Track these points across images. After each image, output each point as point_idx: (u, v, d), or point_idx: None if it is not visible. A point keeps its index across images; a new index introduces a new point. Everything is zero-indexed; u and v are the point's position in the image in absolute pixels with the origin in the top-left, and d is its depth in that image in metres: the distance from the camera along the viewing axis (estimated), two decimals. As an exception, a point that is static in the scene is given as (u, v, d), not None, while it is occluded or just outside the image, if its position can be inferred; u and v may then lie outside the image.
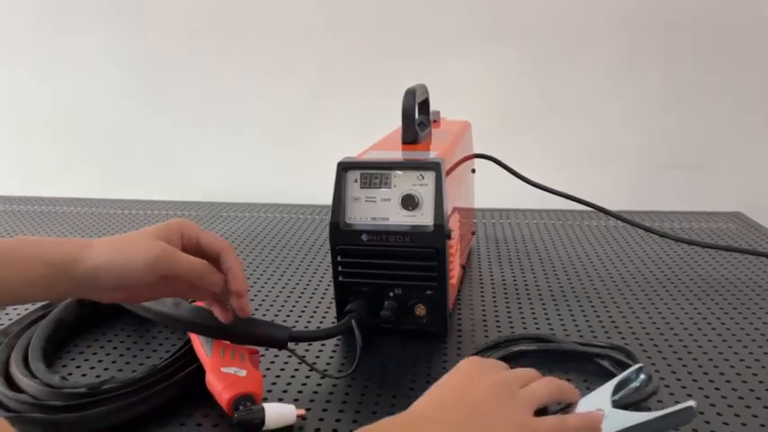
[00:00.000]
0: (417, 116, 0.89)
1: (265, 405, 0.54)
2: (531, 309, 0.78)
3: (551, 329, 0.73)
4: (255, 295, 0.83)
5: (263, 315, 0.78)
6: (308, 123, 1.46)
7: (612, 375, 0.58)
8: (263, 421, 0.53)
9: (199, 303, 0.65)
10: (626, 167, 1.38)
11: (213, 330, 0.60)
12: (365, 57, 1.43)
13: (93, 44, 1.51)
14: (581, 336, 0.71)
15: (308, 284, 0.87)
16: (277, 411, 0.54)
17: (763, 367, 0.64)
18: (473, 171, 1.00)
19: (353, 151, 0.74)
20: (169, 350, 0.69)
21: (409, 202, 0.67)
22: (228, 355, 0.59)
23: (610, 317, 0.76)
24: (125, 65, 1.53)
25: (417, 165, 0.68)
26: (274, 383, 0.62)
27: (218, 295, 0.59)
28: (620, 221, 0.96)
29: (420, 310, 0.69)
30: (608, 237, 1.05)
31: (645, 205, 1.21)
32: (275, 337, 0.60)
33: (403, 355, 0.68)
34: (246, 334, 0.60)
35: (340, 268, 0.70)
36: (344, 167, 0.69)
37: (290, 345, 0.62)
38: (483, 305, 0.79)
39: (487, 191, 1.17)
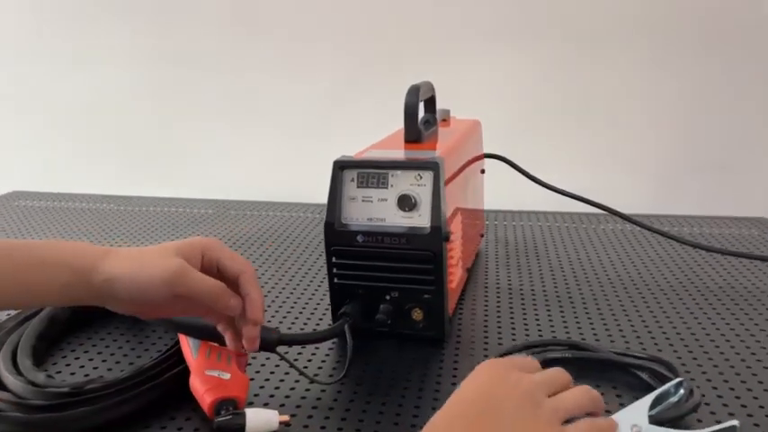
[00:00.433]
0: (423, 114, 0.87)
1: (247, 410, 0.53)
2: (536, 314, 0.75)
3: (554, 337, 0.70)
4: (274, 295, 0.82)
5: (265, 316, 0.76)
6: (326, 122, 1.44)
7: (648, 388, 0.55)
8: (243, 427, 0.51)
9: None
10: (647, 170, 1.34)
11: (199, 331, 0.59)
12: (384, 55, 1.42)
13: (116, 41, 1.52)
14: (598, 341, 0.68)
15: (308, 285, 0.85)
16: (259, 417, 0.52)
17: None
18: (482, 171, 0.97)
19: (370, 150, 0.72)
20: (161, 350, 0.67)
21: (406, 203, 0.65)
22: (214, 358, 0.58)
23: (617, 324, 0.72)
24: (148, 62, 1.54)
25: (415, 164, 0.66)
26: (262, 387, 0.60)
27: (232, 321, 0.57)
28: (636, 226, 0.93)
29: (417, 314, 0.67)
30: (623, 241, 1.01)
31: (666, 209, 1.17)
32: (263, 340, 0.59)
33: (398, 360, 0.65)
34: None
35: (335, 270, 0.68)
36: (341, 166, 0.67)
37: (281, 348, 0.60)
38: (486, 310, 0.77)
39: (499, 192, 1.15)
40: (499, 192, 1.17)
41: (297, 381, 0.61)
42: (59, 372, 0.64)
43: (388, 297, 0.67)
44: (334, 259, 0.67)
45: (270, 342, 0.59)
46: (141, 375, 0.58)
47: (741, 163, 1.28)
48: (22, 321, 0.68)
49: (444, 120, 0.94)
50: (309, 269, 0.91)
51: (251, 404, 0.58)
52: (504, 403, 0.42)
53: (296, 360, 0.65)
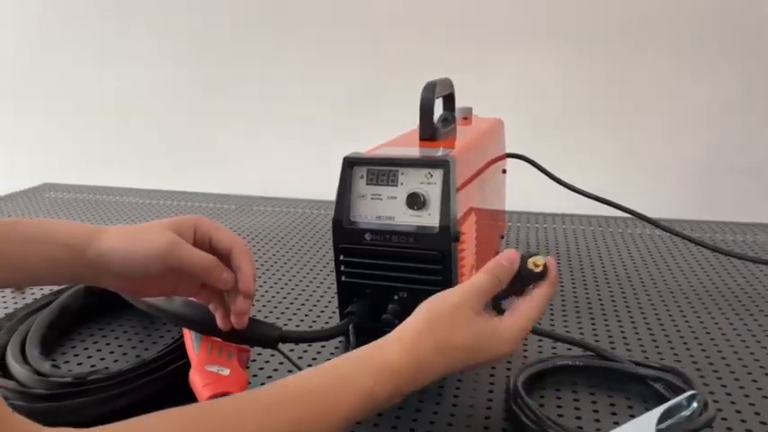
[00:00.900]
0: (442, 111, 0.86)
1: (244, 407, 0.52)
2: (551, 318, 0.73)
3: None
4: (268, 290, 0.82)
5: (275, 312, 0.76)
6: (353, 121, 1.44)
7: (662, 400, 0.52)
8: (237, 424, 0.51)
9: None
10: (678, 173, 1.29)
11: (200, 325, 0.58)
12: (411, 56, 1.41)
13: (148, 39, 1.55)
14: (614, 349, 0.66)
15: (321, 283, 0.84)
16: (254, 414, 0.52)
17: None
18: (504, 171, 0.95)
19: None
20: (168, 344, 0.67)
21: (414, 201, 0.63)
22: (215, 353, 0.58)
23: (635, 331, 0.70)
24: (178, 60, 1.56)
25: (425, 162, 0.64)
26: (263, 384, 0.60)
27: (223, 299, 0.58)
28: (664, 231, 0.89)
29: (425, 315, 0.65)
30: (650, 246, 0.98)
31: (698, 214, 1.13)
32: (264, 336, 0.58)
33: (404, 362, 0.64)
34: (234, 331, 0.57)
35: (343, 268, 0.67)
36: (351, 163, 0.66)
37: (287, 346, 0.60)
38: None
39: (523, 193, 1.12)
40: (523, 193, 1.14)
41: (299, 379, 0.60)
42: (67, 362, 0.64)
43: (396, 297, 0.66)
44: (341, 257, 0.66)
45: (271, 338, 0.58)
46: (143, 368, 0.58)
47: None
48: (35, 311, 0.69)
49: (465, 118, 0.92)
50: (325, 266, 0.90)
51: (250, 401, 0.57)
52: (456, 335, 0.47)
53: (300, 358, 0.64)
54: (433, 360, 0.46)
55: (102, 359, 0.65)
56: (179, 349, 0.61)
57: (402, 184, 0.65)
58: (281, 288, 0.83)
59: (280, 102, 1.49)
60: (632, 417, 0.54)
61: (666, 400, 0.53)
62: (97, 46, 1.62)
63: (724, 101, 1.25)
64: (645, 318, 0.73)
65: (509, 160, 0.95)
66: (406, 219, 0.64)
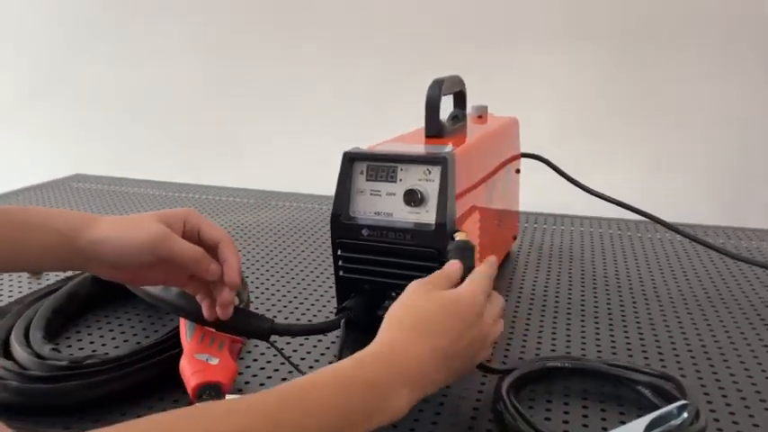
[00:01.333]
0: (453, 109, 0.85)
1: (230, 397, 0.52)
2: (554, 322, 0.72)
3: (567, 348, 0.66)
4: (275, 283, 0.82)
5: (277, 306, 0.76)
6: (372, 119, 1.44)
7: (656, 408, 0.51)
8: (220, 413, 0.51)
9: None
10: (707, 178, 1.25)
11: (194, 315, 0.59)
12: (434, 56, 1.41)
13: (173, 35, 1.58)
14: (615, 355, 0.64)
15: (326, 279, 0.85)
16: (238, 404, 0.52)
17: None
18: (517, 171, 0.93)
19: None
20: (167, 332, 0.68)
21: (412, 198, 0.63)
22: (207, 342, 0.58)
23: (641, 339, 0.68)
24: (204, 58, 1.59)
25: (424, 159, 0.64)
26: (255, 376, 0.60)
27: (210, 290, 0.59)
28: (685, 238, 0.86)
29: (421, 313, 0.65)
30: (669, 251, 0.95)
31: (729, 220, 1.09)
32: (256, 328, 0.58)
33: (398, 359, 0.64)
34: (226, 321, 0.58)
35: (340, 263, 0.67)
36: (351, 158, 0.66)
37: (282, 339, 0.60)
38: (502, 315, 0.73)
39: (540, 194, 1.11)
40: (540, 194, 1.13)
41: (290, 372, 0.61)
42: (70, 347, 0.66)
43: (393, 294, 0.65)
44: (339, 252, 0.66)
45: (262, 330, 0.59)
46: (138, 354, 0.59)
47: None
48: (43, 296, 0.71)
49: (480, 116, 0.91)
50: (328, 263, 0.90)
51: (239, 391, 0.58)
52: (459, 343, 0.49)
53: (295, 351, 0.65)
54: (413, 337, 0.48)
55: (104, 345, 0.66)
56: (175, 338, 0.62)
57: (401, 180, 0.65)
58: (288, 281, 0.83)
59: (301, 99, 1.50)
60: (622, 423, 0.52)
61: (657, 407, 0.52)
62: (123, 45, 1.66)
63: (760, 106, 1.21)
64: (652, 324, 0.71)
65: (527, 161, 0.93)
66: (404, 215, 0.64)
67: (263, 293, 0.80)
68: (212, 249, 0.58)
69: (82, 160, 1.60)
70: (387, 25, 1.47)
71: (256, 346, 0.66)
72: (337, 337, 0.68)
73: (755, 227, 1.05)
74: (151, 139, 1.72)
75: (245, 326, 0.59)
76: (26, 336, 0.63)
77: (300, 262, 0.91)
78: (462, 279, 0.54)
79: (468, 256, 0.57)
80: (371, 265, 0.65)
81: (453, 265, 0.55)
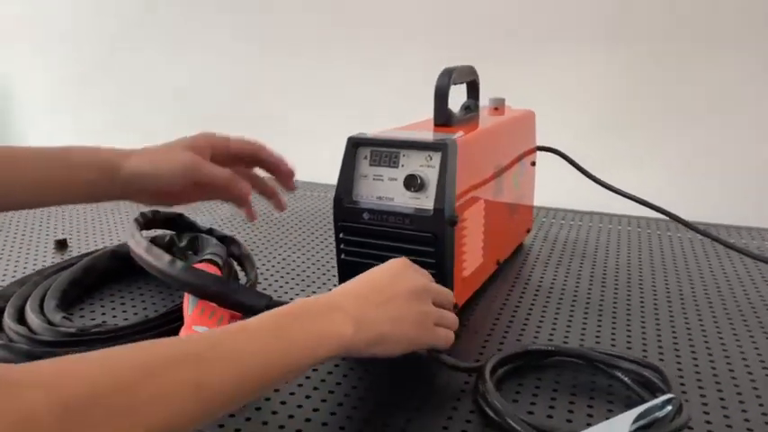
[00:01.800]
0: (466, 99, 0.85)
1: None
2: (556, 316, 0.71)
3: (565, 341, 0.66)
4: (285, 266, 0.84)
5: (284, 288, 0.78)
6: (404, 115, 1.45)
7: (644, 401, 0.51)
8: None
9: (198, 265, 0.66)
10: (731, 177, 1.22)
11: (190, 286, 0.61)
12: (472, 50, 1.41)
13: (218, 28, 1.62)
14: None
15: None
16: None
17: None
18: (533, 164, 0.93)
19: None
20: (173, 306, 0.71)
21: (412, 183, 0.64)
22: (206, 315, 0.60)
23: (643, 336, 0.67)
24: (244, 53, 1.63)
25: (425, 145, 0.64)
26: (252, 351, 0.62)
27: (246, 201, 0.69)
28: (706, 237, 0.85)
29: (419, 298, 0.66)
30: (687, 251, 0.93)
31: (759, 221, 1.06)
32: (250, 304, 0.60)
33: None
34: (223, 295, 0.60)
35: (342, 246, 0.68)
36: (355, 143, 0.67)
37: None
38: (504, 305, 0.74)
39: (559, 189, 1.10)
40: (561, 190, 1.12)
41: (286, 349, 0.62)
42: (83, 316, 0.69)
43: (393, 278, 0.66)
44: (341, 235, 0.68)
45: (258, 309, 0.60)
46: (142, 325, 0.62)
47: None
48: (62, 268, 0.75)
49: (497, 108, 0.91)
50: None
51: (235, 365, 0.59)
52: (396, 287, 0.52)
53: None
54: (352, 281, 0.53)
55: (115, 317, 0.69)
56: (179, 311, 0.64)
57: (403, 165, 0.65)
58: (299, 265, 0.85)
59: (341, 92, 1.52)
60: (611, 412, 0.52)
61: (644, 400, 0.52)
62: (164, 39, 1.71)
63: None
64: (657, 322, 0.70)
65: (550, 156, 0.93)
66: (405, 200, 0.65)
67: (272, 275, 0.82)
68: (249, 160, 0.67)
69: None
70: (420, 29, 1.48)
71: (258, 323, 0.67)
72: (337, 318, 0.69)
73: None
74: (191, 129, 1.77)
75: (241, 301, 0.60)
76: (41, 304, 0.66)
77: (314, 247, 0.92)
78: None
79: None
80: (371, 248, 0.66)
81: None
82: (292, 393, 0.55)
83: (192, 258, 0.76)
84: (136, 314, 0.70)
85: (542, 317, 0.71)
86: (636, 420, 0.48)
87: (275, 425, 0.51)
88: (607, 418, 0.52)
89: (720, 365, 0.61)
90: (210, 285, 0.60)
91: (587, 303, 0.74)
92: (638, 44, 1.34)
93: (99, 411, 0.35)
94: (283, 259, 0.87)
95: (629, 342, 0.65)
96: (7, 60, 2.14)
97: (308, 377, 0.58)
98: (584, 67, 1.41)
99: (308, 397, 0.55)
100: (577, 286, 0.79)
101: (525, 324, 0.69)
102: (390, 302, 0.51)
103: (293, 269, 0.84)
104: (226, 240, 0.79)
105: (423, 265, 0.64)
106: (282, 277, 0.81)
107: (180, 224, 0.80)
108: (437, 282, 0.63)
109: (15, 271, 0.82)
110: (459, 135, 0.68)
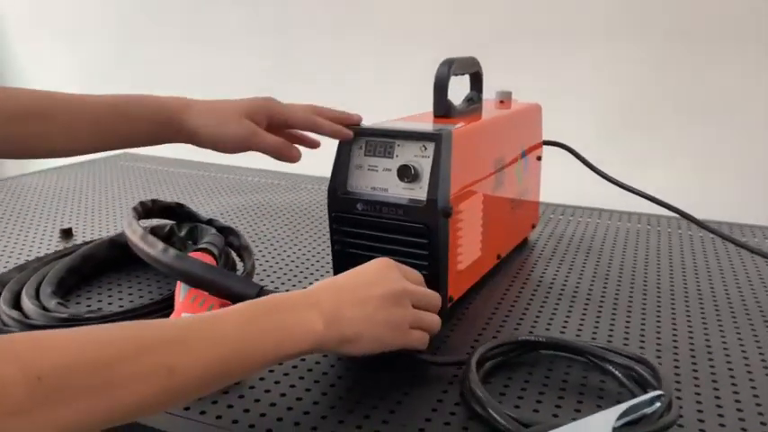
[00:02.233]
0: (469, 91, 0.84)
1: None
2: (554, 311, 0.70)
3: (579, 336, 0.65)
4: (285, 258, 0.84)
5: (281, 279, 0.78)
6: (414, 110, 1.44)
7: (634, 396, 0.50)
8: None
9: (193, 254, 0.66)
10: (750, 175, 1.19)
11: (181, 274, 0.61)
12: (485, 47, 1.39)
13: (230, 28, 1.64)
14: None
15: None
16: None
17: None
18: (538, 158, 0.91)
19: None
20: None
21: (405, 173, 0.63)
22: (197, 304, 0.60)
23: (642, 334, 0.65)
24: (259, 49, 1.64)
25: (419, 135, 0.64)
26: (242, 339, 0.62)
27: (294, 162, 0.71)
28: (717, 235, 0.83)
29: (413, 290, 0.65)
30: (697, 249, 0.91)
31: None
32: (240, 293, 0.60)
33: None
34: (214, 285, 0.60)
35: (336, 237, 0.67)
36: (350, 133, 0.67)
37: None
38: (501, 300, 0.73)
39: (569, 186, 1.08)
40: (568, 185, 1.11)
41: (277, 338, 0.62)
42: (78, 303, 0.70)
43: (387, 269, 0.66)
44: (335, 226, 0.67)
45: (248, 297, 0.60)
46: (134, 312, 0.62)
47: None
48: (62, 256, 0.75)
49: (502, 101, 0.89)
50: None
51: (223, 353, 0.59)
52: (373, 289, 0.51)
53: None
54: (329, 280, 0.53)
55: (110, 304, 0.70)
56: (172, 299, 0.64)
57: (397, 156, 0.65)
58: (299, 257, 0.85)
59: (347, 88, 1.52)
60: (600, 407, 0.51)
61: (630, 391, 0.50)
62: (182, 35, 1.73)
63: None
64: (659, 320, 0.68)
65: (555, 151, 0.91)
66: (399, 191, 0.64)
67: (270, 267, 0.82)
68: (302, 126, 0.70)
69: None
70: (441, 18, 1.47)
71: (252, 313, 0.67)
72: (331, 310, 0.68)
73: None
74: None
75: (232, 290, 0.60)
76: (37, 290, 0.67)
77: (316, 239, 0.92)
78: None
79: None
80: (365, 239, 0.66)
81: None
82: (277, 382, 0.55)
83: (190, 248, 0.77)
84: (132, 302, 0.70)
85: (540, 311, 0.70)
86: (623, 416, 0.46)
87: (256, 413, 0.50)
88: (576, 411, 0.51)
89: (720, 365, 0.59)
90: (201, 273, 0.60)
91: (587, 299, 0.73)
92: (651, 41, 1.32)
93: (72, 386, 0.35)
94: (284, 251, 0.87)
95: (626, 339, 0.64)
96: (22, 56, 2.18)
97: (294, 366, 0.57)
98: (595, 64, 1.38)
99: (292, 386, 0.54)
100: (579, 282, 0.78)
101: (522, 318, 0.68)
102: (365, 303, 0.50)
103: (293, 260, 0.84)
104: (225, 231, 0.79)
105: (416, 256, 0.63)
106: (281, 269, 0.81)
107: (180, 214, 0.80)
108: (430, 274, 0.63)
109: (19, 257, 0.83)
110: (456, 126, 0.67)
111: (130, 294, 0.72)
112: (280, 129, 0.70)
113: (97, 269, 0.76)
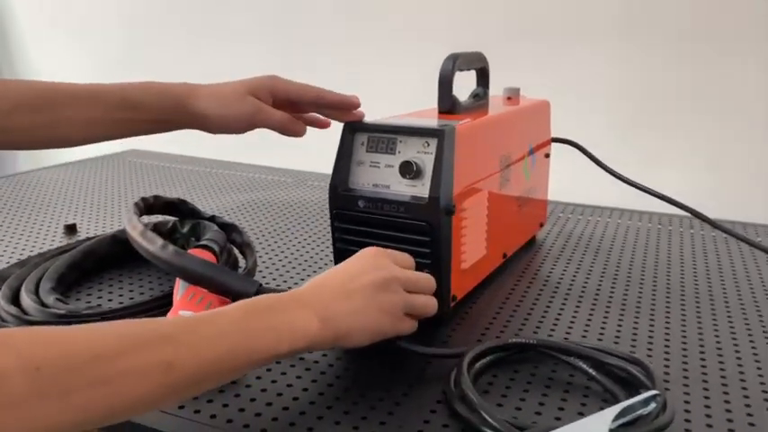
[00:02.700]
0: (476, 87, 0.83)
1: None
2: (560, 311, 0.68)
3: (566, 337, 0.63)
4: (288, 255, 0.83)
5: (284, 277, 0.77)
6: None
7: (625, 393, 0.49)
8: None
9: (193, 251, 0.66)
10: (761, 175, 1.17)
11: (179, 270, 0.60)
12: (496, 46, 1.38)
13: (245, 19, 1.63)
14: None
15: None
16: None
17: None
18: (547, 156, 0.90)
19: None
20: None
21: (407, 170, 0.62)
22: (195, 300, 0.59)
23: (650, 334, 0.64)
24: (269, 45, 1.64)
25: (422, 131, 0.62)
26: (241, 338, 0.61)
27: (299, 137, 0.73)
28: (733, 237, 0.81)
29: (415, 288, 0.64)
30: (708, 248, 0.89)
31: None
32: (238, 290, 0.59)
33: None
34: (213, 281, 0.59)
35: (337, 234, 0.66)
36: (352, 129, 0.66)
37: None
38: (506, 299, 0.71)
39: (579, 185, 1.07)
40: (577, 184, 1.09)
41: (276, 337, 0.61)
42: (78, 299, 0.69)
43: (388, 267, 0.65)
44: (336, 223, 0.66)
45: (246, 295, 0.59)
46: (132, 308, 0.62)
47: None
48: (63, 252, 0.75)
49: (510, 98, 0.88)
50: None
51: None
52: (361, 279, 0.51)
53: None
54: (323, 278, 0.52)
55: (110, 300, 0.69)
56: (170, 296, 0.63)
57: (400, 152, 0.63)
58: (302, 254, 0.84)
59: (359, 88, 1.51)
60: (581, 415, 0.49)
61: (618, 398, 0.49)
62: (192, 35, 1.72)
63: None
64: (668, 320, 0.67)
65: (564, 149, 0.89)
66: (401, 188, 0.63)
67: (273, 264, 0.81)
68: (308, 103, 0.71)
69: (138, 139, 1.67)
70: (452, 17, 1.46)
71: (252, 311, 0.66)
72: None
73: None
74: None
75: (231, 287, 0.59)
76: (37, 286, 0.66)
77: (320, 237, 0.91)
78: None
79: None
80: (367, 236, 0.64)
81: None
82: (274, 381, 0.54)
83: (192, 244, 0.76)
84: (132, 299, 0.70)
85: (546, 311, 0.68)
86: (618, 417, 0.45)
87: (251, 412, 0.49)
88: (579, 414, 0.49)
89: (731, 368, 0.57)
90: (200, 270, 0.60)
91: (595, 299, 0.71)
92: (664, 39, 1.30)
93: (72, 378, 0.35)
94: (287, 248, 0.86)
95: (633, 341, 0.62)
96: (37, 56, 2.19)
97: (291, 365, 0.56)
98: (608, 62, 1.36)
99: (289, 385, 0.53)
100: (587, 282, 0.76)
101: (527, 317, 0.67)
102: (355, 295, 0.50)
103: (295, 258, 0.83)
104: (228, 228, 0.78)
105: (418, 254, 0.62)
106: (284, 266, 0.80)
107: (182, 210, 0.79)
108: (432, 272, 0.62)
109: (23, 252, 0.82)
110: (460, 122, 0.65)
111: (131, 291, 0.72)
112: (284, 106, 0.71)
113: (98, 265, 0.76)
